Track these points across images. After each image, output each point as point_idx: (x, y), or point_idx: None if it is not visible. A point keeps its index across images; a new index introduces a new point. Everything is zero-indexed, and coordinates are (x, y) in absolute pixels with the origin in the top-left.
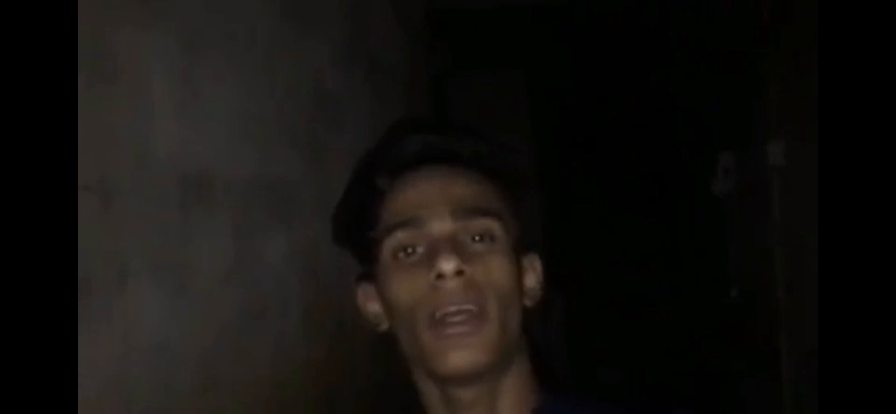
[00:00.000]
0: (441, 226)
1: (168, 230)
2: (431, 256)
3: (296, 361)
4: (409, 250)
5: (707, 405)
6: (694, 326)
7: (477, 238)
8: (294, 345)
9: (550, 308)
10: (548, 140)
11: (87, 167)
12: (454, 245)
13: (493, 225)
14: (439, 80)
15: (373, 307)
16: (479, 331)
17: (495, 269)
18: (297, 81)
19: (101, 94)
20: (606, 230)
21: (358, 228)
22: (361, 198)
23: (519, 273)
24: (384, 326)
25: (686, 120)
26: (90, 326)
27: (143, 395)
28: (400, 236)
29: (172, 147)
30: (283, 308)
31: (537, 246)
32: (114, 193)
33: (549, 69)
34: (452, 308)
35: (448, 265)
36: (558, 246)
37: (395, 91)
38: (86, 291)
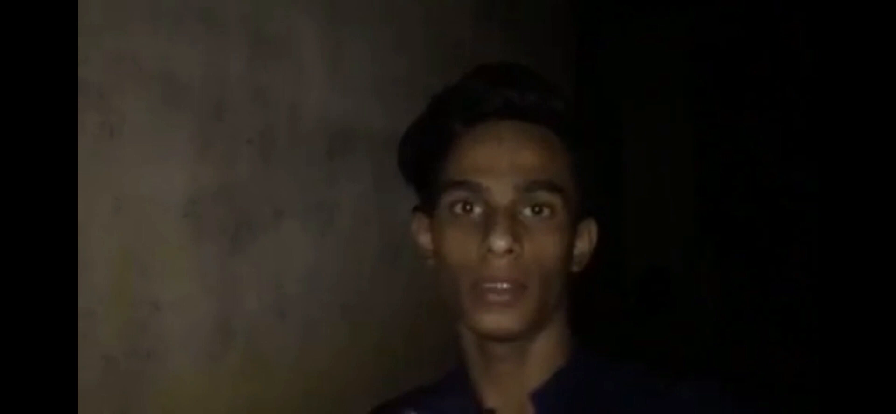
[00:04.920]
0: (502, 196)
1: (316, 177)
2: (487, 225)
3: (425, 300)
4: (467, 207)
5: None
6: None
7: (536, 210)
8: (423, 286)
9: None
10: (708, 94)
11: (250, 124)
12: (510, 220)
13: (554, 200)
14: (592, 27)
15: (424, 239)
16: (516, 303)
17: (547, 245)
18: (432, 39)
19: (261, 63)
20: (770, 192)
21: (423, 167)
22: (433, 138)
23: (571, 243)
24: (431, 262)
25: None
26: (253, 255)
27: (296, 310)
28: (461, 194)
29: (320, 104)
30: (415, 253)
31: (601, 208)
32: (271, 146)
33: (715, 15)
34: (497, 284)
35: (500, 243)
36: (713, 202)
37: (536, 43)
38: (249, 227)
